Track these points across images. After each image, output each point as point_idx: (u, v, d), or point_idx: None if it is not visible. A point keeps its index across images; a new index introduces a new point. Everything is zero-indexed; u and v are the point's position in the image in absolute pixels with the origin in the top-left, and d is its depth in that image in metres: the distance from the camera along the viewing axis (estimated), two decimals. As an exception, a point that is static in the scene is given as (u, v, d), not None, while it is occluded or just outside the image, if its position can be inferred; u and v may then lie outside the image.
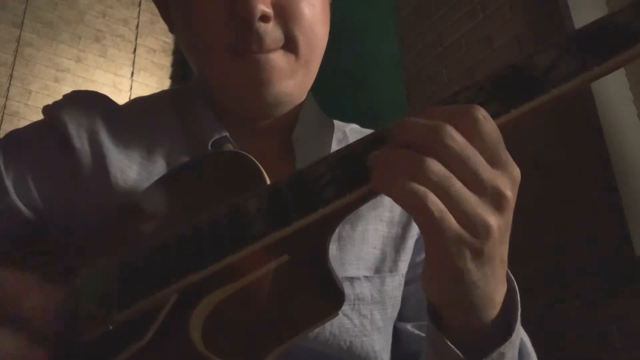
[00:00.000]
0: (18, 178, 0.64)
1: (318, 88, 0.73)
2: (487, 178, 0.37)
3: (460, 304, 0.42)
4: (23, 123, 2.85)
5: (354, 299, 0.61)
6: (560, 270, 1.78)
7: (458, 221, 0.37)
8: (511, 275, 0.47)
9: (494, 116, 0.38)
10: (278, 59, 0.61)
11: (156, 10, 0.73)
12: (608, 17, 0.39)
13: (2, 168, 0.64)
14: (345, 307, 0.60)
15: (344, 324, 0.60)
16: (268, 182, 0.48)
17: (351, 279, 0.61)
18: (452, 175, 0.36)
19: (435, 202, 0.36)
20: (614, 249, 1.67)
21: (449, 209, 0.36)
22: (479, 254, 0.38)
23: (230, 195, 0.45)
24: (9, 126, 2.91)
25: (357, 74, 2.75)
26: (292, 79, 0.63)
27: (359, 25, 2.80)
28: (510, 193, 0.38)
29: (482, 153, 0.37)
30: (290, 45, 0.62)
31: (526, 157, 1.99)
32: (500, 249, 0.39)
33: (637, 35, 0.37)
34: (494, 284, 0.41)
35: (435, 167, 0.36)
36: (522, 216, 2.08)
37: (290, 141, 0.66)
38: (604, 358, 1.61)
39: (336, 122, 0.77)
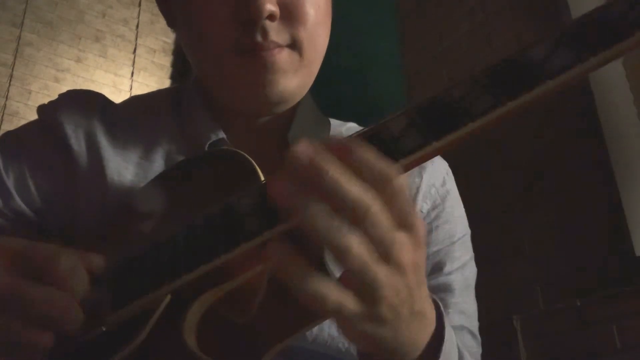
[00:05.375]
0: (18, 179, 0.64)
1: (318, 88, 0.73)
2: (389, 240, 0.36)
3: (381, 353, 0.42)
4: (23, 123, 2.83)
5: None
6: (561, 270, 1.78)
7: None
8: (441, 309, 0.47)
9: (489, 110, 0.38)
10: (284, 58, 0.61)
11: (156, 10, 0.73)
12: (602, 7, 0.39)
13: (2, 171, 0.64)
14: None
15: (341, 326, 0.59)
16: (263, 180, 0.48)
17: None
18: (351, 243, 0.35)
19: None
20: (614, 249, 1.66)
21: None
22: (373, 319, 0.37)
23: (226, 194, 0.45)
24: (8, 126, 2.90)
25: (357, 74, 2.74)
26: (296, 78, 0.63)
27: (359, 25, 2.79)
28: (407, 257, 0.37)
29: (392, 217, 0.36)
30: (295, 44, 0.62)
31: (526, 158, 1.99)
32: (406, 305, 0.38)
33: (632, 26, 0.37)
34: (415, 332, 0.42)
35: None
36: (522, 216, 2.07)
37: (286, 140, 0.66)
38: (604, 358, 1.60)
39: (333, 121, 0.77)
